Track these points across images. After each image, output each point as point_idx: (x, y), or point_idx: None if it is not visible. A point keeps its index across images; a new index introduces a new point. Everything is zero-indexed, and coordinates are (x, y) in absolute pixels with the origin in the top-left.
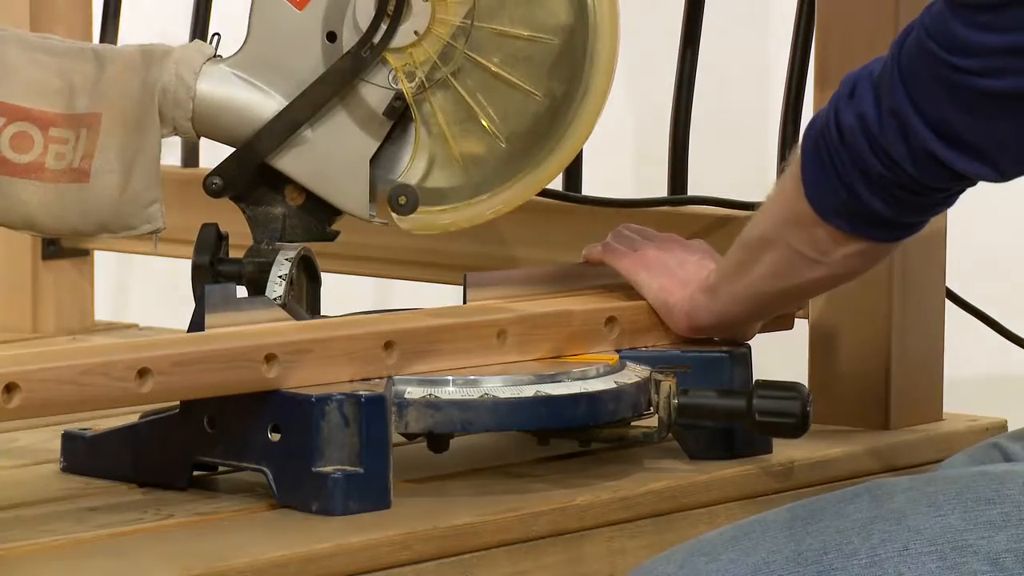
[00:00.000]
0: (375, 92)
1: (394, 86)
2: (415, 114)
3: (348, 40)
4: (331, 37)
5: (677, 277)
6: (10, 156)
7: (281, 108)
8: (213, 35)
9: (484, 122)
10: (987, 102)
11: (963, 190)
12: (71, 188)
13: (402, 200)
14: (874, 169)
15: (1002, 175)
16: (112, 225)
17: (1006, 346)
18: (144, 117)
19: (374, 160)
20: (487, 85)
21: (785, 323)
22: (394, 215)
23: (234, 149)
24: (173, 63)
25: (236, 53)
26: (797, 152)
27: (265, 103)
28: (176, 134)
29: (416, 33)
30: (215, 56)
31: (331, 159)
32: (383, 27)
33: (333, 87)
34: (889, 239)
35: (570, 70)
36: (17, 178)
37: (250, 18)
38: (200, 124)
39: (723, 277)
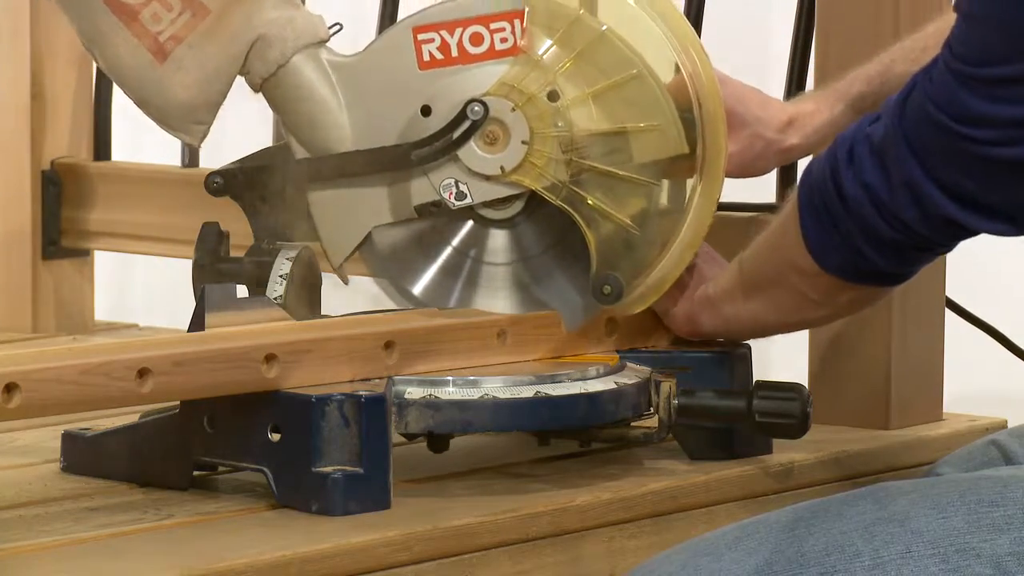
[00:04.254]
0: (422, 185)
1: (440, 194)
2: (575, 217)
3: (435, 125)
4: (425, 111)
5: (678, 281)
6: None
7: (340, 129)
8: (335, 23)
9: (627, 174)
10: (1005, 169)
11: (967, 238)
12: (144, 57)
13: (607, 290)
14: (885, 235)
15: (1021, 230)
16: (155, 113)
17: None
18: (237, 44)
19: (378, 229)
20: (610, 146)
21: None
22: (606, 306)
23: (246, 148)
24: (288, 23)
25: (344, 57)
26: (794, 199)
27: (332, 114)
28: (246, 80)
29: (524, 143)
30: (324, 42)
31: (346, 204)
32: (448, 140)
33: (368, 167)
34: (890, 285)
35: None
36: (110, 10)
37: (376, 40)
38: (269, 89)
39: (726, 295)
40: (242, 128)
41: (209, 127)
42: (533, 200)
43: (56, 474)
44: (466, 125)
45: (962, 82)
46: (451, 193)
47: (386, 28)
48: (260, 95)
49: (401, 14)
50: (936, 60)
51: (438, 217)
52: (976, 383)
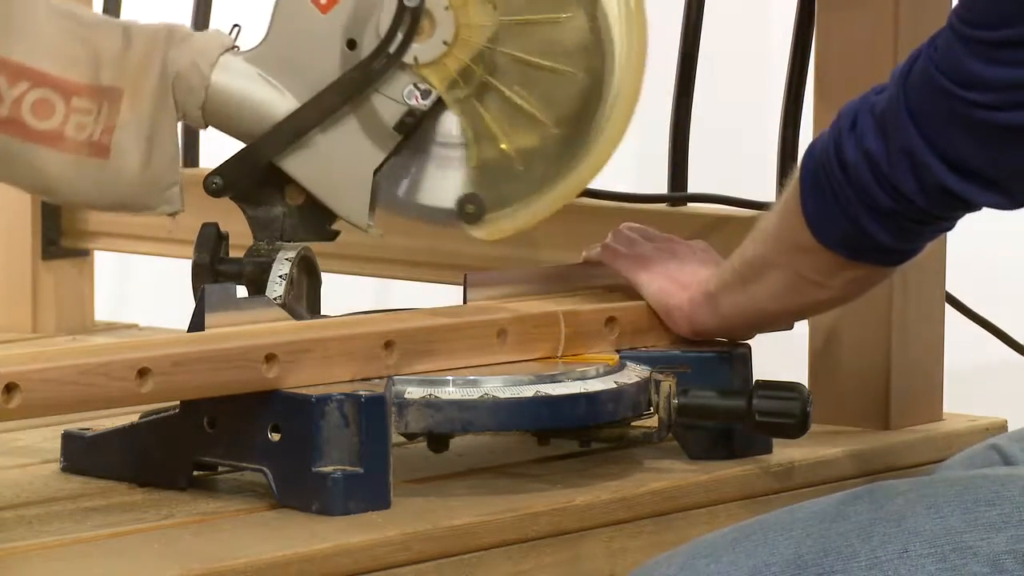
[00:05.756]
0: (388, 105)
1: (408, 102)
2: (462, 123)
3: (368, 49)
4: (351, 44)
5: (677, 279)
6: (30, 121)
7: (294, 109)
8: (234, 26)
9: (530, 109)
10: (1004, 135)
11: (965, 214)
12: (90, 162)
13: (470, 208)
14: (883, 204)
15: (1015, 203)
16: (130, 204)
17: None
18: (163, 98)
19: (380, 171)
20: (525, 77)
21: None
22: (464, 225)
23: (240, 147)
24: (191, 49)
25: (255, 48)
26: (797, 175)
27: (278, 102)
28: (186, 121)
29: (445, 43)
30: (233, 47)
31: (336, 165)
32: (399, 38)
33: (343, 96)
34: (891, 263)
35: (602, 51)
36: (36, 144)
37: (272, 15)
38: (211, 115)
39: (725, 287)
40: None
41: (180, 185)
42: None
43: (56, 474)
44: (407, 20)
45: (966, 45)
46: (416, 97)
47: None
48: None
49: None
50: (943, 28)
51: (417, 125)
52: (976, 383)
